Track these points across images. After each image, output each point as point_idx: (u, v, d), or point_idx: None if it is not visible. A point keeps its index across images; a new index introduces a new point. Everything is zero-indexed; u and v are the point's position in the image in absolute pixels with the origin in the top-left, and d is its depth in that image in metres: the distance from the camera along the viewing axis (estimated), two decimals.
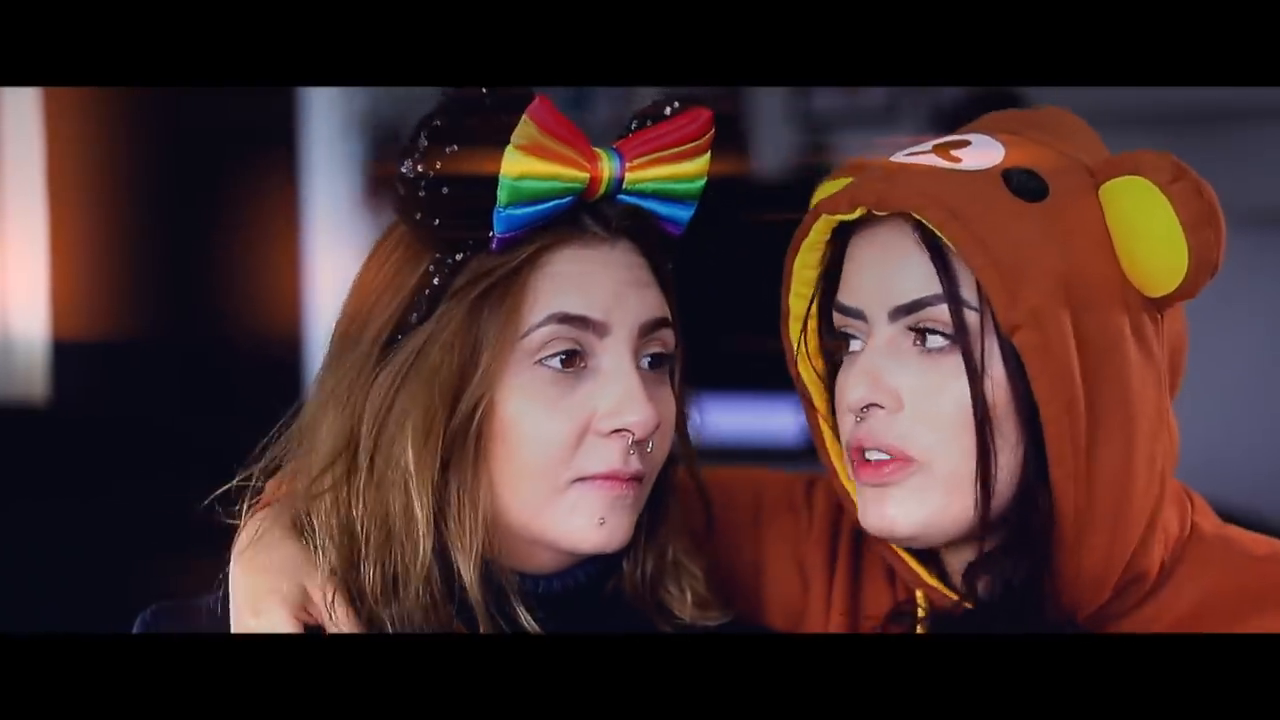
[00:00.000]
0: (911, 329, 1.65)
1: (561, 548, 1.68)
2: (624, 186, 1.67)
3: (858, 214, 1.68)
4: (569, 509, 1.66)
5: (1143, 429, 1.64)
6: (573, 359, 1.65)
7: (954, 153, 1.70)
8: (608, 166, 1.66)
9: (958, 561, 1.72)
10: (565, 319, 1.64)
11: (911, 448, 1.64)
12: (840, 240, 1.74)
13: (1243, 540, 1.73)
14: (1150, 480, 1.65)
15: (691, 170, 1.69)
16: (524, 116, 1.60)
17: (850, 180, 1.76)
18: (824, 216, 1.71)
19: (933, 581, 1.74)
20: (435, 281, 1.64)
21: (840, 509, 1.87)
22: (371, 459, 1.65)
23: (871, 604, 1.83)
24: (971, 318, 1.62)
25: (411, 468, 1.63)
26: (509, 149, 1.60)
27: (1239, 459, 4.37)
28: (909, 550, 1.75)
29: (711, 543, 1.84)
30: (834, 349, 1.76)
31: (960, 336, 1.62)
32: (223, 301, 5.08)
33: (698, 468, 1.80)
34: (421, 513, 1.63)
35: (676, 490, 1.79)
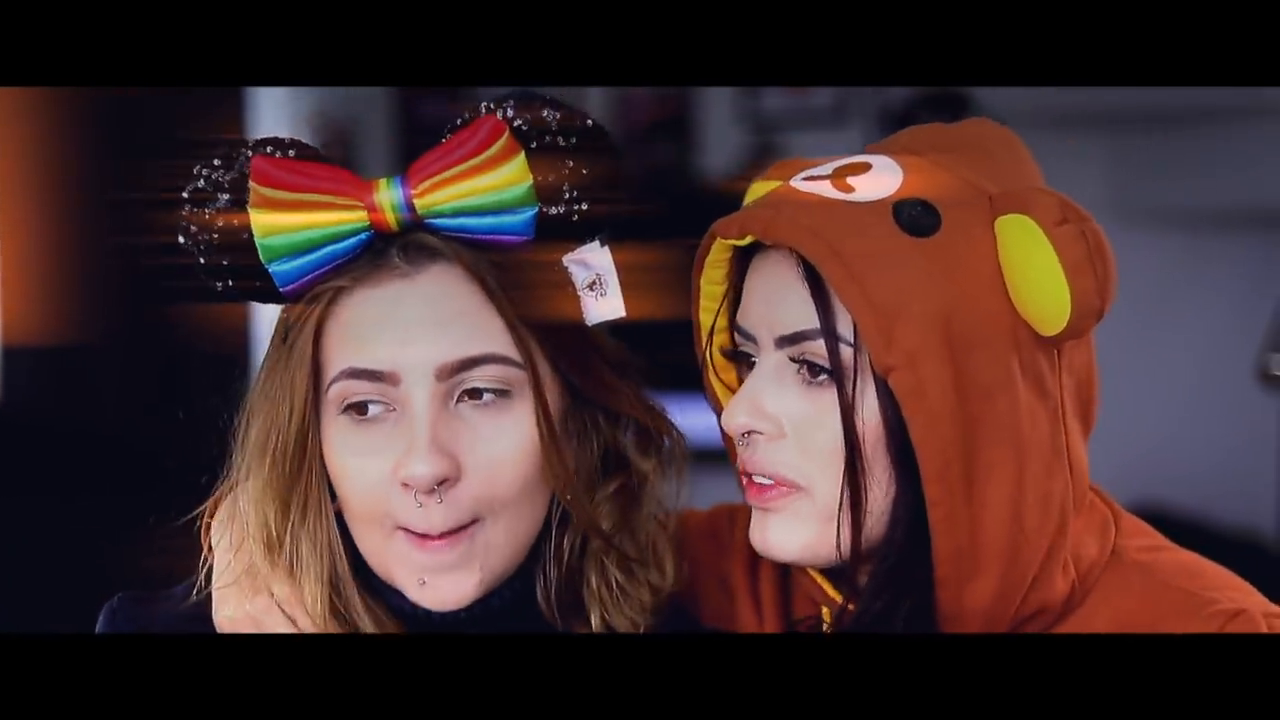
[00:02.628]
0: (795, 359, 1.66)
1: (410, 600, 1.68)
2: (419, 213, 1.63)
3: (747, 241, 1.69)
4: (396, 559, 1.65)
5: (1033, 469, 1.62)
6: (378, 409, 1.64)
7: (850, 179, 1.68)
8: (388, 197, 1.62)
9: (861, 576, 1.72)
10: (355, 374, 1.63)
11: (793, 474, 1.65)
12: (744, 257, 1.75)
13: (1164, 567, 1.70)
14: (1045, 518, 1.63)
15: (497, 182, 1.62)
16: (250, 182, 1.61)
17: (754, 201, 1.76)
18: (718, 242, 1.73)
19: (833, 594, 1.75)
20: (281, 329, 1.68)
21: None
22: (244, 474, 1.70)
23: (802, 608, 1.84)
24: (847, 354, 1.62)
25: (252, 500, 1.68)
26: (250, 211, 1.61)
27: (1187, 460, 4.40)
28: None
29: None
30: (737, 366, 1.77)
31: (835, 373, 1.62)
32: (170, 305, 5.05)
33: (575, 496, 1.69)
34: (269, 538, 1.67)
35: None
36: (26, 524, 4.11)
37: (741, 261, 1.75)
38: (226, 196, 1.63)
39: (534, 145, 1.64)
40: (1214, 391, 4.67)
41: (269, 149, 1.64)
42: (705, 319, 1.79)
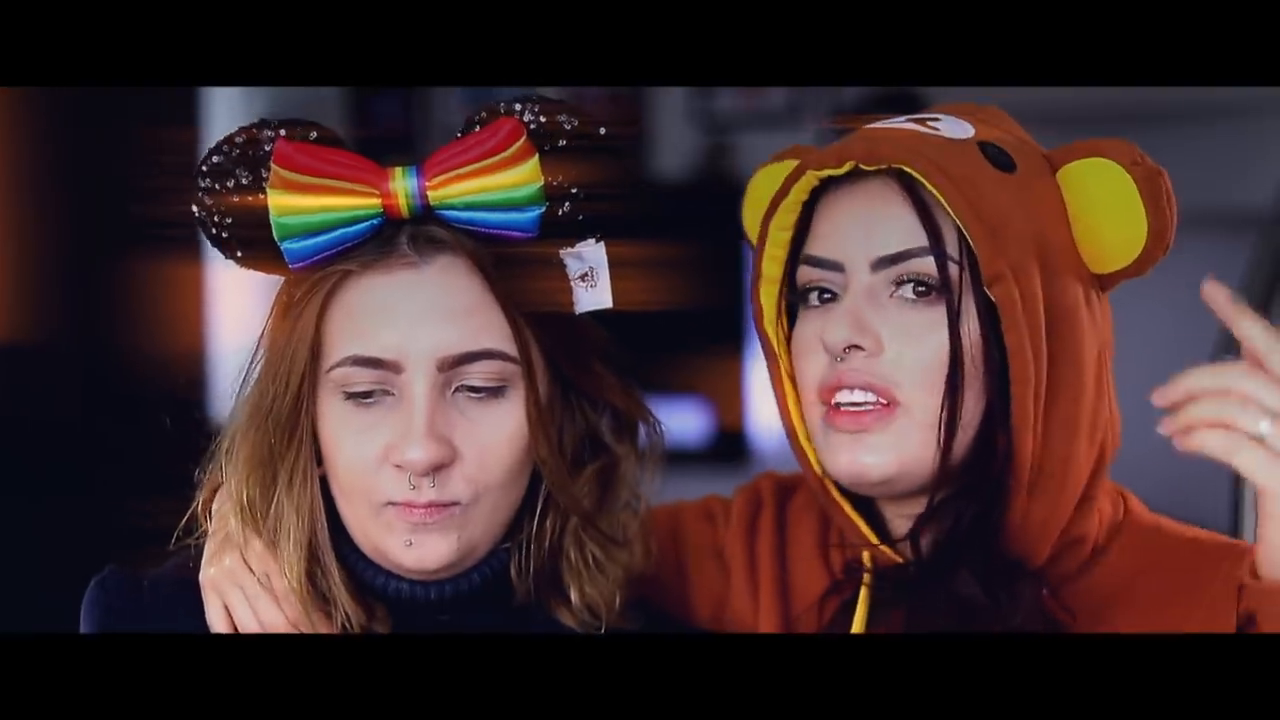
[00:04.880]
0: (892, 282, 1.72)
1: (393, 564, 1.72)
2: (431, 203, 1.68)
3: (846, 169, 1.74)
4: (385, 529, 1.70)
5: (1088, 393, 1.73)
6: (375, 392, 1.69)
7: (930, 123, 1.77)
8: (403, 186, 1.67)
9: (901, 517, 1.79)
10: (358, 361, 1.67)
11: (894, 388, 1.70)
12: (810, 204, 1.80)
13: (1173, 526, 1.82)
14: (1091, 444, 1.74)
15: (509, 180, 1.68)
16: (271, 163, 1.67)
17: (799, 158, 1.82)
18: (808, 174, 1.77)
19: (877, 541, 1.79)
20: (281, 301, 1.73)
21: (759, 507, 1.96)
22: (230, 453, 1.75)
23: (804, 584, 1.88)
24: (953, 270, 1.69)
25: (239, 464, 1.73)
26: (268, 190, 1.66)
27: (1140, 459, 4.39)
28: (854, 508, 1.81)
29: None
30: (795, 302, 1.81)
31: (944, 287, 1.69)
32: (126, 304, 5.04)
33: (560, 479, 1.74)
34: (246, 512, 1.73)
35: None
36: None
37: (807, 206, 1.80)
38: (246, 174, 1.68)
39: (547, 148, 1.69)
40: None
41: (292, 131, 1.69)
42: (771, 267, 1.83)
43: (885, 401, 1.70)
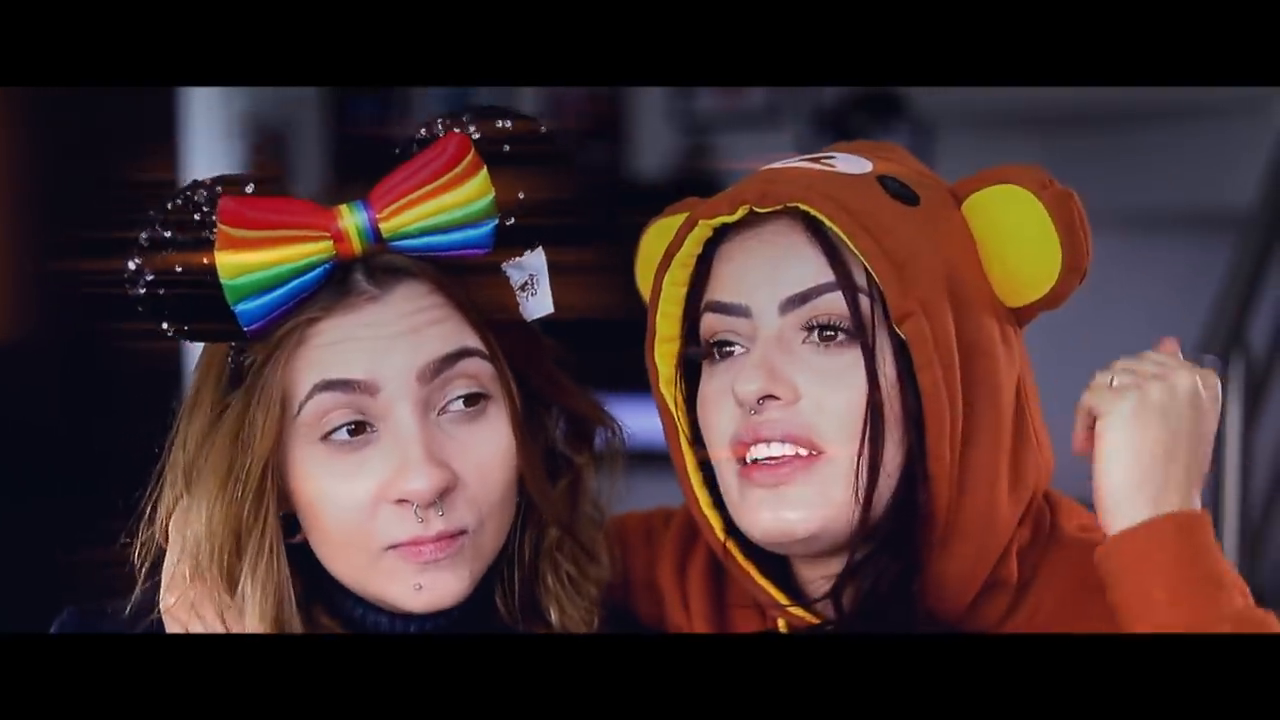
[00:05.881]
0: (801, 326, 1.65)
1: (398, 610, 1.67)
2: (385, 236, 1.61)
3: (740, 214, 1.67)
4: (387, 577, 1.64)
5: (1006, 434, 1.66)
6: (359, 429, 1.62)
7: (825, 161, 1.71)
8: (353, 223, 1.60)
9: (816, 576, 1.71)
10: (327, 386, 1.60)
11: (815, 436, 1.63)
12: (706, 256, 1.73)
13: (1099, 538, 1.69)
14: (1015, 494, 1.67)
15: (461, 198, 1.62)
16: (217, 221, 1.58)
17: (733, 183, 1.74)
18: (700, 224, 1.71)
19: (787, 603, 1.72)
20: (230, 364, 1.64)
21: (692, 530, 1.85)
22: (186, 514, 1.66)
23: (739, 620, 1.82)
24: (865, 304, 1.63)
25: (200, 540, 1.64)
26: (216, 253, 1.58)
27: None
28: (762, 570, 1.73)
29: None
30: (702, 355, 1.73)
31: (857, 325, 1.62)
32: (100, 302, 5.03)
33: (545, 492, 1.71)
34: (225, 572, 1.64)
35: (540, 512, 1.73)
36: None
37: (703, 258, 1.73)
38: (187, 239, 1.60)
39: (492, 158, 1.63)
40: None
41: (229, 187, 1.61)
42: (666, 325, 1.76)
43: (806, 452, 1.64)
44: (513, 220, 1.63)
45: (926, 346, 1.60)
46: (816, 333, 1.64)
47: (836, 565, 1.67)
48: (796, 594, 1.73)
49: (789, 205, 1.64)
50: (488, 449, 1.64)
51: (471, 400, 1.64)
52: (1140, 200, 4.65)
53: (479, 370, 1.64)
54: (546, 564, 1.73)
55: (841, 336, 1.63)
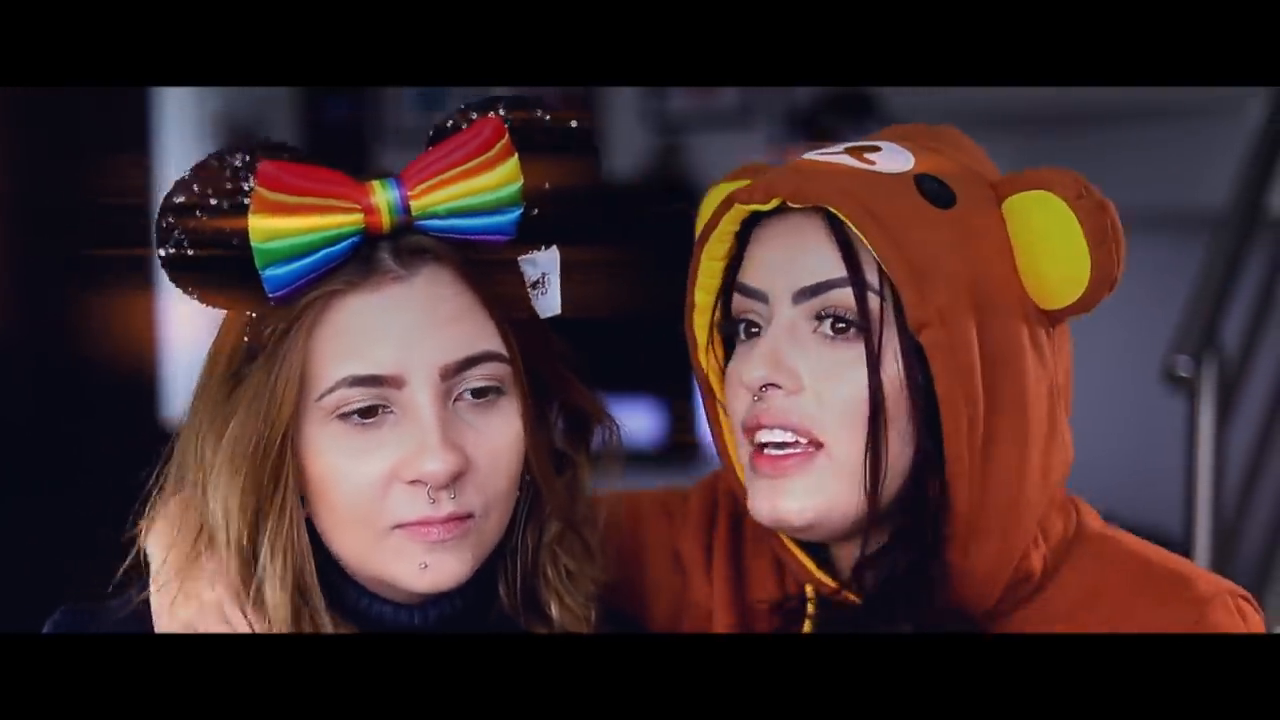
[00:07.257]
0: (813, 316, 1.68)
1: (400, 589, 1.68)
2: (414, 214, 1.63)
3: (772, 205, 1.70)
4: (393, 555, 1.65)
5: (1036, 436, 1.68)
6: (373, 411, 1.63)
7: (867, 155, 1.72)
8: (384, 199, 1.62)
9: (846, 555, 1.74)
10: (356, 382, 1.62)
11: (815, 427, 1.66)
12: (744, 234, 1.77)
13: (1125, 539, 1.77)
14: (1042, 487, 1.69)
15: (491, 182, 1.64)
16: (255, 185, 1.59)
17: (751, 178, 1.78)
18: (736, 206, 1.74)
19: (821, 575, 1.76)
20: (246, 337, 1.65)
21: (715, 504, 1.93)
22: (204, 490, 1.67)
23: (757, 589, 1.86)
24: (874, 303, 1.65)
25: (219, 514, 1.65)
26: (250, 216, 1.59)
27: (1094, 460, 4.40)
28: (798, 543, 1.78)
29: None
30: (731, 334, 1.77)
31: (862, 319, 1.65)
32: (76, 304, 5.03)
33: (552, 485, 1.74)
34: (234, 558, 1.65)
35: (547, 504, 1.76)
36: None
37: (741, 236, 1.77)
38: (221, 201, 1.61)
39: (525, 146, 1.66)
40: (1121, 392, 4.70)
41: (266, 152, 1.62)
42: (703, 297, 1.80)
43: (807, 442, 1.67)
44: (537, 211, 1.65)
45: (944, 355, 1.62)
46: (828, 323, 1.67)
47: (862, 548, 1.71)
48: (827, 564, 1.78)
49: (819, 205, 1.67)
50: (500, 438, 1.67)
51: (487, 392, 1.66)
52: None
53: (497, 371, 1.66)
54: (547, 557, 1.76)
55: (852, 330, 1.66)
